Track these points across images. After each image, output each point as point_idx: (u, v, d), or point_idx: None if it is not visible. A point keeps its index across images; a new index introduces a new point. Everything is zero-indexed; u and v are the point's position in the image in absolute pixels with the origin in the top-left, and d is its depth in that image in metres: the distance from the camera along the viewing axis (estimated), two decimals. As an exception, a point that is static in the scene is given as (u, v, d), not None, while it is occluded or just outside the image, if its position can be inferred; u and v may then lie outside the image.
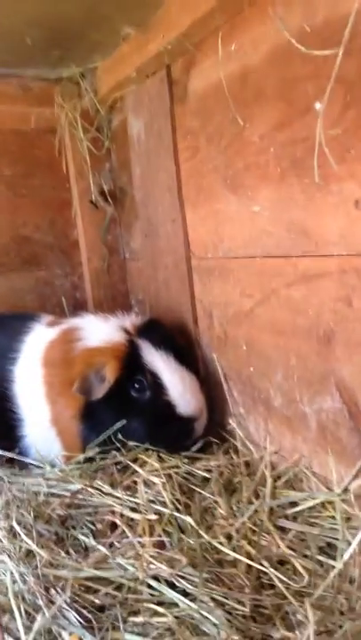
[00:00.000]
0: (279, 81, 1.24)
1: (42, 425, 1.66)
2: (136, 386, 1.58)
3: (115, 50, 1.84)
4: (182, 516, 1.32)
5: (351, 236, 1.12)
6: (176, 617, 1.05)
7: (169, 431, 1.58)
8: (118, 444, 1.57)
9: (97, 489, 1.45)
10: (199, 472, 1.52)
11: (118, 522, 1.32)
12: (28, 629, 1.01)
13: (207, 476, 1.51)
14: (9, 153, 2.17)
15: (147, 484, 1.45)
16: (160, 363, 1.60)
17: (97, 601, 1.10)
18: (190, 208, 1.73)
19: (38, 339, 1.76)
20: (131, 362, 1.58)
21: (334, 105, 1.08)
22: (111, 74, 1.93)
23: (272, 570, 1.16)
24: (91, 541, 1.29)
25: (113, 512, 1.36)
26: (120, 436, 1.58)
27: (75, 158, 2.21)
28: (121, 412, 1.58)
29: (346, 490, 1.26)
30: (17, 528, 1.30)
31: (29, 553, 1.24)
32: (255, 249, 1.44)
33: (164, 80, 1.70)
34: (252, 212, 1.42)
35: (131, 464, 1.53)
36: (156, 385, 1.58)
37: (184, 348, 1.75)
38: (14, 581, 1.14)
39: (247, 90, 1.35)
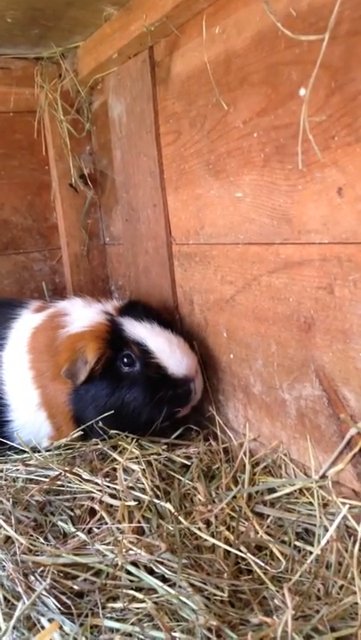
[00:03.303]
0: (264, 66, 1.23)
1: (30, 409, 1.65)
2: (125, 360, 1.57)
3: (96, 30, 1.81)
4: (161, 503, 1.32)
5: (334, 223, 1.11)
6: (155, 602, 1.05)
7: (165, 395, 1.54)
8: (102, 432, 1.57)
9: (76, 475, 1.45)
10: (178, 459, 1.52)
11: (97, 508, 1.31)
12: (7, 616, 1.01)
13: (186, 462, 1.51)
14: (-13, 134, 2.13)
15: (126, 470, 1.45)
16: (143, 331, 1.59)
17: (76, 587, 1.10)
18: (172, 193, 1.72)
19: (25, 325, 1.76)
20: (114, 339, 1.58)
21: (319, 91, 1.07)
22: (92, 54, 1.90)
23: (250, 555, 1.17)
24: (70, 528, 1.29)
25: (92, 498, 1.36)
26: (118, 417, 1.56)
27: (54, 140, 2.17)
28: (115, 389, 1.57)
29: (324, 476, 1.27)
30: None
31: (8, 539, 1.23)
32: (237, 235, 1.43)
33: (147, 62, 1.68)
34: (235, 198, 1.41)
35: (109, 452, 1.53)
36: (144, 352, 1.57)
37: (168, 320, 1.73)
38: (-8, 568, 1.14)
39: (231, 74, 1.33)
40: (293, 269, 1.25)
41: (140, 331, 1.59)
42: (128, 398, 1.56)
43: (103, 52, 1.80)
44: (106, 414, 1.55)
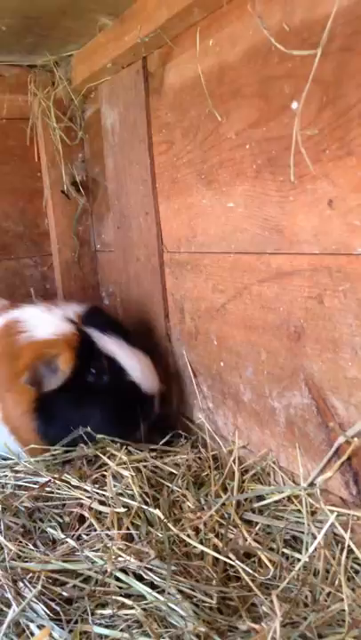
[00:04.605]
0: (257, 79, 1.25)
1: None
2: (93, 372, 1.57)
3: (90, 39, 1.82)
4: (151, 509, 1.33)
5: (324, 235, 1.13)
6: (144, 609, 1.06)
7: (134, 411, 1.59)
8: (85, 438, 1.57)
9: (65, 482, 1.45)
10: (167, 467, 1.52)
11: (87, 514, 1.32)
12: (-5, 622, 1.01)
13: (175, 471, 1.51)
14: (-20, 141, 2.14)
15: (115, 477, 1.45)
16: (114, 347, 1.61)
17: (65, 593, 1.10)
18: (164, 201, 1.73)
19: None
20: (84, 350, 1.57)
21: (311, 105, 1.09)
22: (86, 63, 1.91)
23: (238, 562, 1.18)
24: (59, 534, 1.29)
25: (81, 505, 1.36)
26: (82, 427, 1.56)
27: (47, 147, 2.18)
28: (81, 400, 1.57)
29: (312, 484, 1.28)
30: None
31: (-3, 545, 1.24)
32: (228, 245, 1.45)
33: (140, 72, 1.70)
34: (227, 208, 1.43)
35: (100, 455, 1.53)
36: (116, 368, 1.59)
37: (128, 331, 1.76)
38: (-19, 574, 1.13)
39: (224, 86, 1.35)
40: (284, 279, 1.27)
41: (110, 345, 1.61)
42: (96, 412, 1.57)
43: (97, 61, 1.82)
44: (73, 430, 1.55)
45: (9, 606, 1.05)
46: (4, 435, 1.64)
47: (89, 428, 1.56)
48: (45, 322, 1.64)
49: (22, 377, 1.52)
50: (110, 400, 1.58)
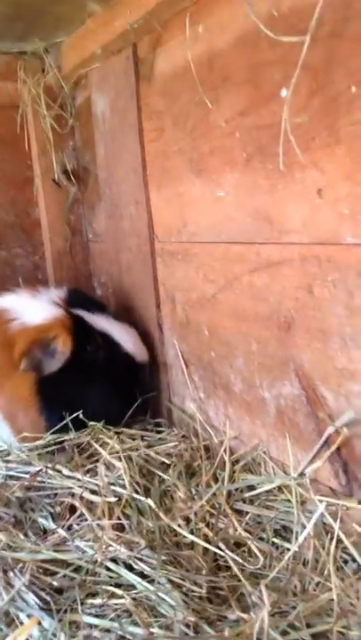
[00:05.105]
0: (246, 65, 1.23)
1: None
2: (88, 349, 1.62)
3: (80, 26, 1.80)
4: (142, 499, 1.33)
5: (313, 224, 1.12)
6: (134, 598, 1.06)
7: (133, 380, 1.67)
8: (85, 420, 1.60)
9: (57, 471, 1.45)
10: (159, 456, 1.52)
11: (77, 504, 1.32)
12: (-16, 613, 1.01)
13: (167, 460, 1.51)
14: (-31, 128, 2.12)
15: (107, 466, 1.45)
16: (104, 323, 1.68)
17: (55, 583, 1.10)
18: (154, 190, 1.72)
19: None
20: (78, 330, 1.62)
21: (300, 92, 1.08)
22: (76, 50, 1.89)
23: (228, 552, 1.18)
24: (50, 524, 1.29)
25: (72, 495, 1.36)
26: (88, 405, 1.60)
27: (37, 135, 2.16)
28: (83, 378, 1.62)
29: (302, 474, 1.29)
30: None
31: (-14, 536, 1.23)
32: (219, 234, 1.44)
33: (130, 58, 1.67)
34: (217, 197, 1.42)
35: (93, 443, 1.54)
36: (110, 343, 1.65)
37: (107, 307, 1.86)
38: (-29, 565, 1.13)
39: (214, 73, 1.34)
40: (274, 269, 1.26)
41: (101, 322, 1.68)
42: (100, 386, 1.63)
43: (87, 47, 1.79)
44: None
45: (-2, 596, 1.06)
46: None
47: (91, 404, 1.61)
48: (34, 307, 1.67)
49: (20, 364, 1.54)
50: (110, 373, 1.64)
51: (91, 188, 2.20)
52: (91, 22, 1.72)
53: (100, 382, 1.64)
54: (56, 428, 1.60)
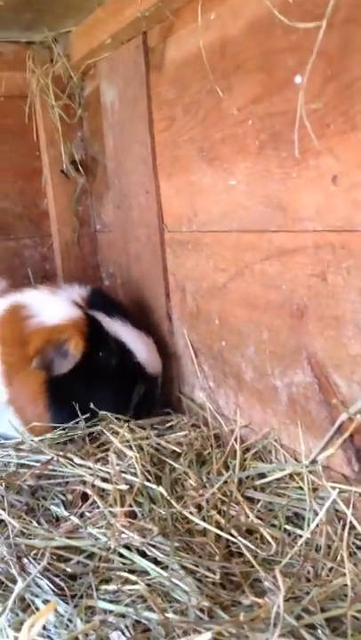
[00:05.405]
0: (259, 52, 1.23)
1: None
2: (101, 354, 1.61)
3: (90, 14, 1.79)
4: (153, 486, 1.33)
5: (327, 211, 1.12)
6: (147, 584, 1.06)
7: (139, 391, 1.64)
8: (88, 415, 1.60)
9: (68, 459, 1.45)
10: (170, 445, 1.53)
11: (89, 492, 1.32)
12: (1, 597, 1.02)
13: (177, 449, 1.52)
14: (-22, 118, 2.11)
15: (117, 454, 1.46)
16: (120, 329, 1.66)
17: (69, 569, 1.11)
18: (165, 180, 1.71)
19: None
20: (93, 334, 1.61)
21: (315, 79, 1.07)
22: (85, 39, 1.88)
23: (241, 538, 1.19)
24: (62, 511, 1.30)
25: (84, 482, 1.37)
26: (92, 407, 1.60)
27: (46, 126, 2.16)
28: (90, 382, 1.61)
29: (314, 461, 1.29)
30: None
31: (0, 522, 1.24)
32: (230, 223, 1.44)
33: (140, 47, 1.67)
34: (229, 186, 1.42)
35: (105, 431, 1.54)
36: (123, 351, 1.63)
37: (129, 312, 1.80)
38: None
39: (226, 60, 1.33)
40: (286, 257, 1.26)
41: (117, 327, 1.65)
42: (105, 392, 1.62)
43: (96, 36, 1.79)
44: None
45: (14, 582, 1.06)
46: (8, 415, 1.65)
47: (95, 408, 1.60)
48: (53, 306, 1.66)
49: (33, 361, 1.55)
50: (118, 382, 1.63)
51: (99, 178, 2.20)
52: (100, 11, 1.72)
53: (108, 389, 1.63)
54: (62, 426, 1.61)
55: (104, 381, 1.62)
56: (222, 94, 1.35)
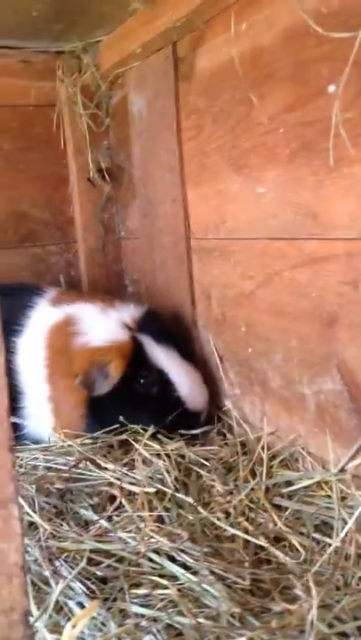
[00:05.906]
0: (292, 62, 1.24)
1: (40, 402, 1.68)
2: (142, 381, 1.61)
3: (120, 24, 1.82)
4: (181, 496, 1.33)
5: None
6: (178, 589, 1.07)
7: (177, 425, 1.61)
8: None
9: (96, 463, 1.46)
10: (196, 456, 1.52)
11: (117, 494, 1.33)
12: (34, 599, 1.02)
13: (204, 461, 1.51)
14: (8, 127, 2.14)
15: (145, 462, 1.46)
16: (165, 359, 1.64)
17: (99, 573, 1.12)
18: (192, 188, 1.73)
19: (42, 318, 1.76)
20: (136, 358, 1.61)
21: (349, 88, 1.08)
22: (115, 49, 1.91)
23: (270, 546, 1.19)
24: (91, 515, 1.31)
25: (111, 484, 1.37)
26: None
27: (73, 134, 2.18)
28: (127, 406, 1.61)
29: (343, 470, 1.29)
30: (20, 500, 1.31)
31: (31, 525, 1.25)
32: (259, 231, 1.44)
33: (170, 57, 1.69)
34: (257, 194, 1.43)
35: (132, 442, 1.55)
36: (164, 381, 1.62)
37: (181, 339, 1.79)
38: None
39: (258, 70, 1.35)
40: (317, 264, 1.26)
41: (162, 357, 1.64)
42: (139, 420, 1.60)
43: (126, 46, 1.81)
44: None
45: (46, 584, 1.07)
46: (43, 412, 1.68)
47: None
48: (102, 326, 1.67)
49: (76, 379, 1.57)
50: (155, 413, 1.61)
51: (124, 186, 2.22)
52: (132, 21, 1.74)
53: (142, 416, 1.61)
54: (91, 435, 1.63)
55: (139, 408, 1.61)
56: (254, 103, 1.37)
